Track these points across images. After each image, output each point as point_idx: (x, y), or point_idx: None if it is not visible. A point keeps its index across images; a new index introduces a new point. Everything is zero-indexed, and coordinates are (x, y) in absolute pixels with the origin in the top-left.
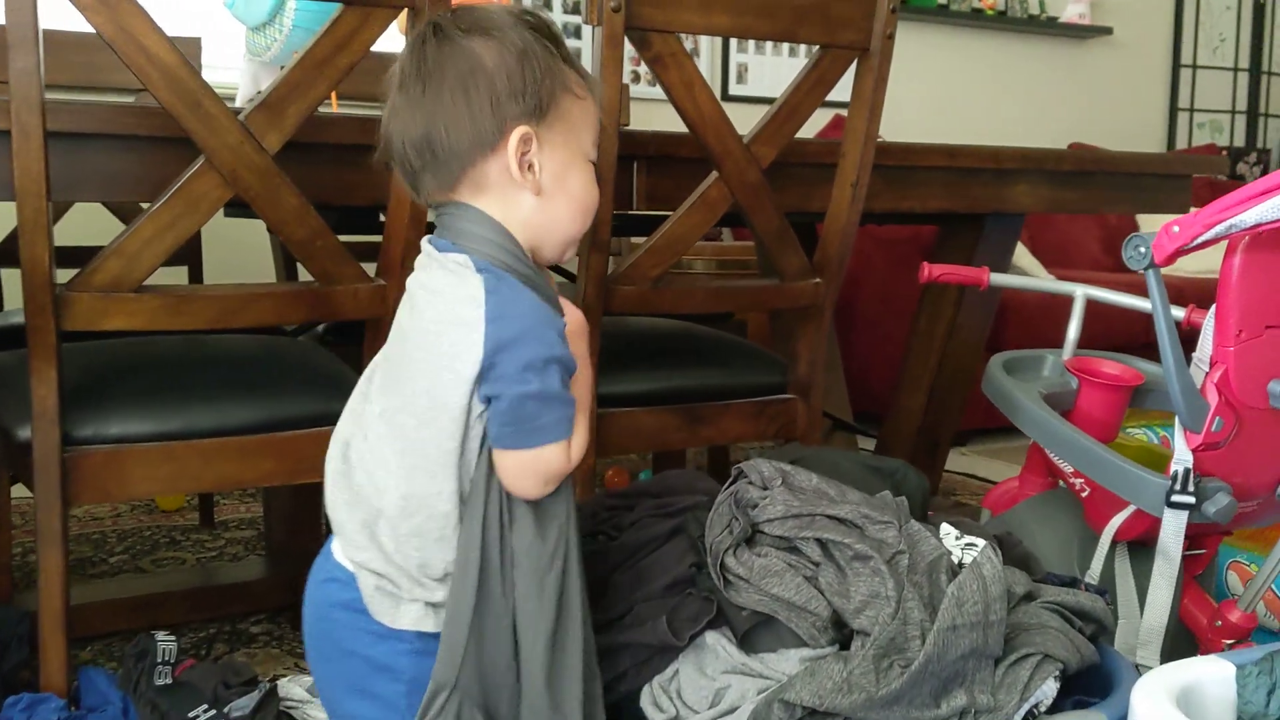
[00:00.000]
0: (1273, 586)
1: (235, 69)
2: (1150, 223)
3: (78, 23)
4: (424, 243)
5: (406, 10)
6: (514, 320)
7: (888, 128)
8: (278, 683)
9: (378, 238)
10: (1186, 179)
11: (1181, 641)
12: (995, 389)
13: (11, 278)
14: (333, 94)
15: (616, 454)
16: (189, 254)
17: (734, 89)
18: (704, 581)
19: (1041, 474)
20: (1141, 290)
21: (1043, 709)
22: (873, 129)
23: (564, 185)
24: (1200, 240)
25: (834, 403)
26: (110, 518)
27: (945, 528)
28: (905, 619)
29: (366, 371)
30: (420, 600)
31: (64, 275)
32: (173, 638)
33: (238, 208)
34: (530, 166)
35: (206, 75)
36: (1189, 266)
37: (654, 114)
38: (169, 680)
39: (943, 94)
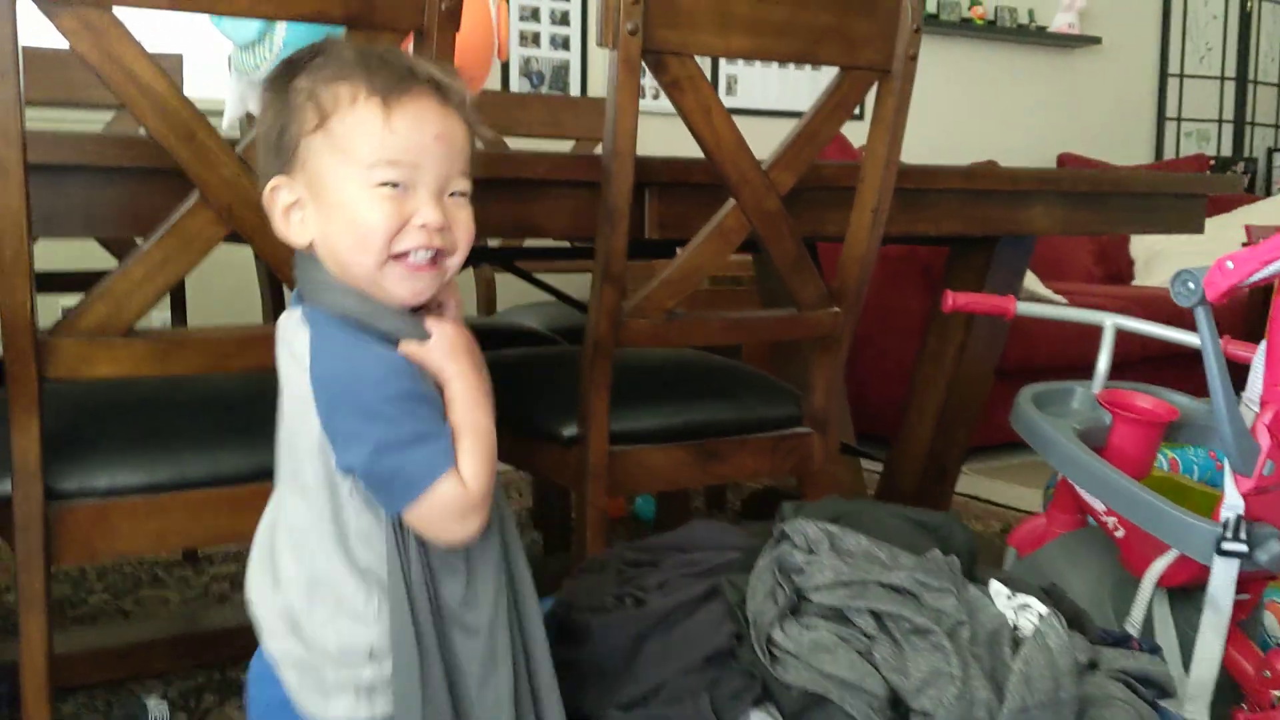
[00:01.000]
0: None
1: (213, 85)
2: (1140, 239)
3: (52, 37)
4: None
5: (413, 34)
6: (335, 376)
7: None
8: None
9: None
10: (1201, 199)
11: (1224, 688)
12: (1028, 425)
13: None
14: None
15: (627, 494)
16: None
17: (724, 101)
18: (745, 654)
19: (1071, 511)
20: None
21: None
22: (894, 153)
23: (339, 217)
24: (1256, 278)
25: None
26: None
27: (995, 586)
28: (972, 700)
29: None
30: (350, 686)
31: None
32: (164, 701)
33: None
34: (288, 216)
35: (187, 92)
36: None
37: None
38: None
39: (932, 103)
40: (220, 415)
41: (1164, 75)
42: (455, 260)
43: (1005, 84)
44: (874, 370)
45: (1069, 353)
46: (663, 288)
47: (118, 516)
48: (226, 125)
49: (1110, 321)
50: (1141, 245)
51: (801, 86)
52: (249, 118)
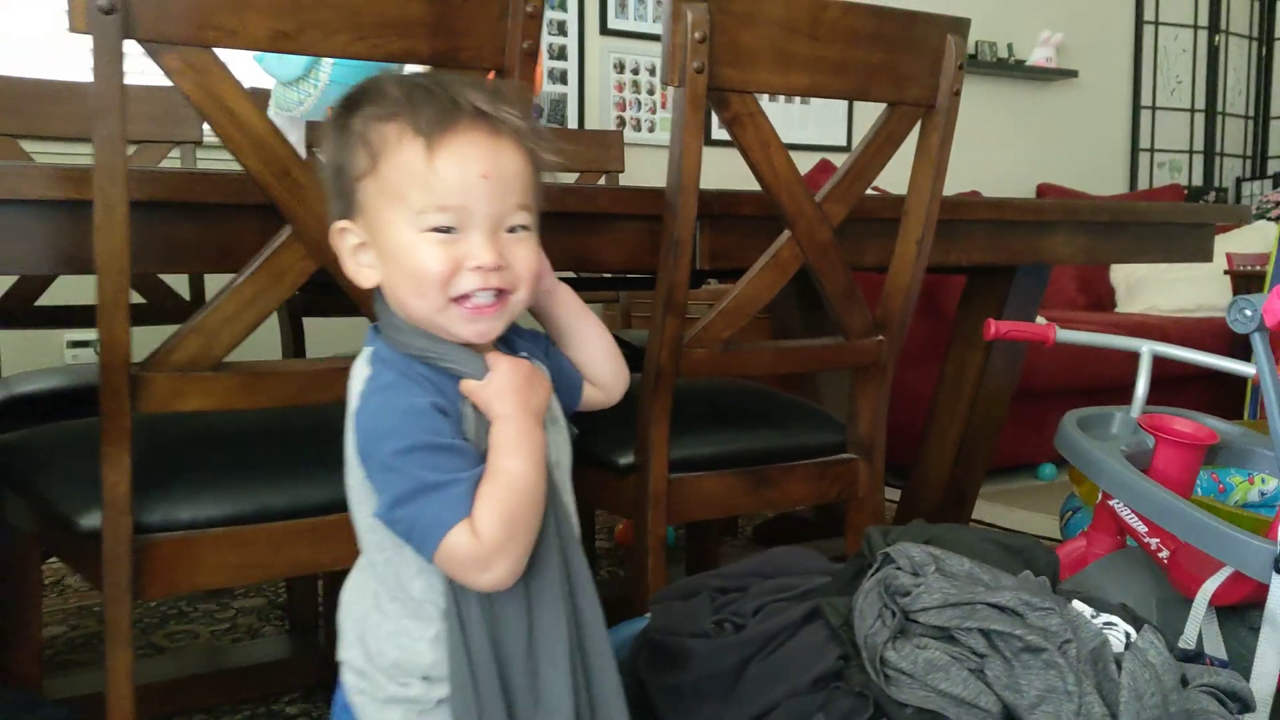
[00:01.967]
0: None
1: None
2: (1118, 267)
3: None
4: None
5: (494, 73)
6: (364, 429)
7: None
8: None
9: None
10: (1211, 228)
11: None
12: (1075, 449)
13: (10, 339)
14: None
15: (684, 520)
16: None
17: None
18: (855, 675)
19: (1111, 533)
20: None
21: None
22: (938, 186)
23: (397, 263)
24: None
25: None
26: (85, 588)
27: (1078, 604)
28: (1089, 715)
29: None
30: (402, 701)
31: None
32: None
33: None
34: (355, 259)
35: None
36: (1163, 305)
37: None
38: None
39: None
40: (298, 447)
41: (1137, 107)
42: (519, 296)
43: (986, 116)
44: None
45: (1071, 377)
46: (720, 318)
47: (201, 549)
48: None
49: (1147, 348)
50: (1121, 273)
51: (793, 118)
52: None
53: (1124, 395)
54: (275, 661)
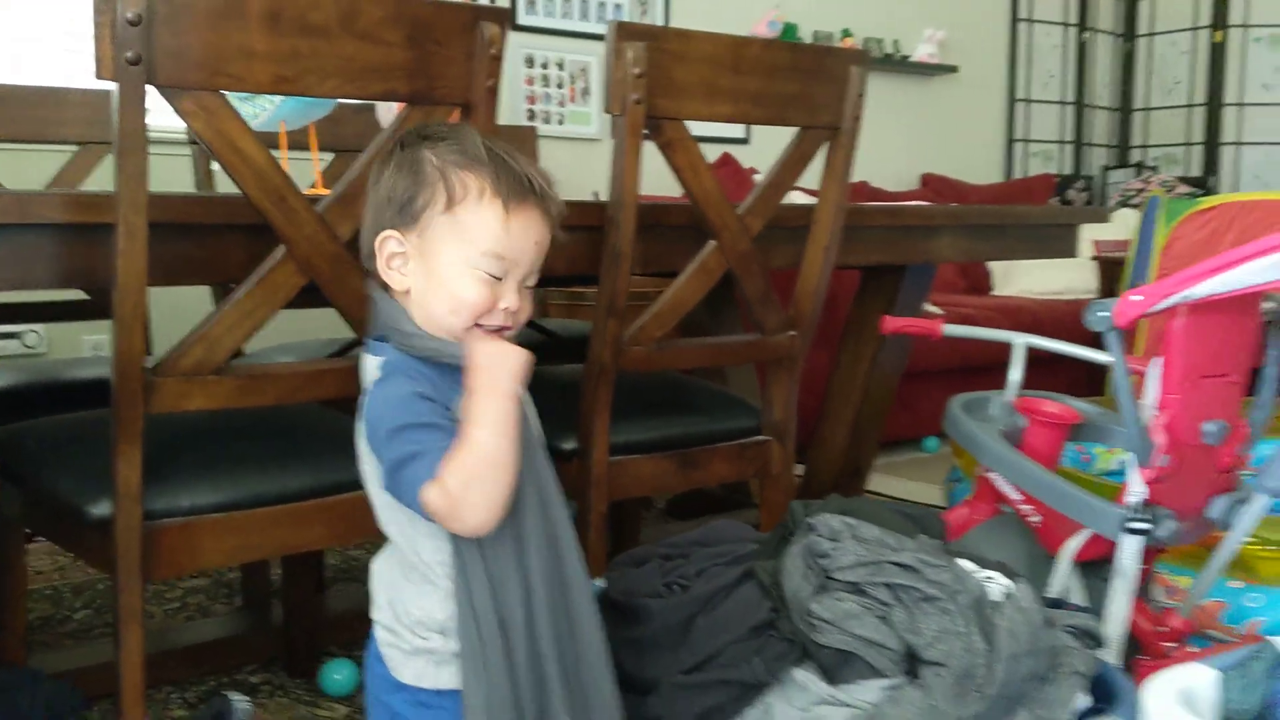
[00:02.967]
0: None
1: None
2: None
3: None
4: None
5: (460, 108)
6: (369, 420)
7: (758, 158)
8: None
9: None
10: (1076, 228)
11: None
12: (959, 430)
13: None
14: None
15: (624, 498)
16: None
17: None
18: (784, 624)
19: (990, 502)
20: (984, 309)
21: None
22: (843, 199)
23: (442, 284)
24: (1158, 309)
25: None
26: (56, 571)
27: (964, 562)
28: (974, 651)
29: None
30: (423, 653)
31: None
32: (246, 699)
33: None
34: (391, 266)
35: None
36: (1035, 289)
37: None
38: None
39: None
40: (285, 440)
41: (1012, 100)
42: (513, 333)
43: (874, 110)
44: None
45: (949, 358)
46: (654, 320)
47: (201, 533)
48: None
49: (1022, 340)
50: (1001, 263)
51: None
52: None
53: (998, 373)
54: (233, 636)
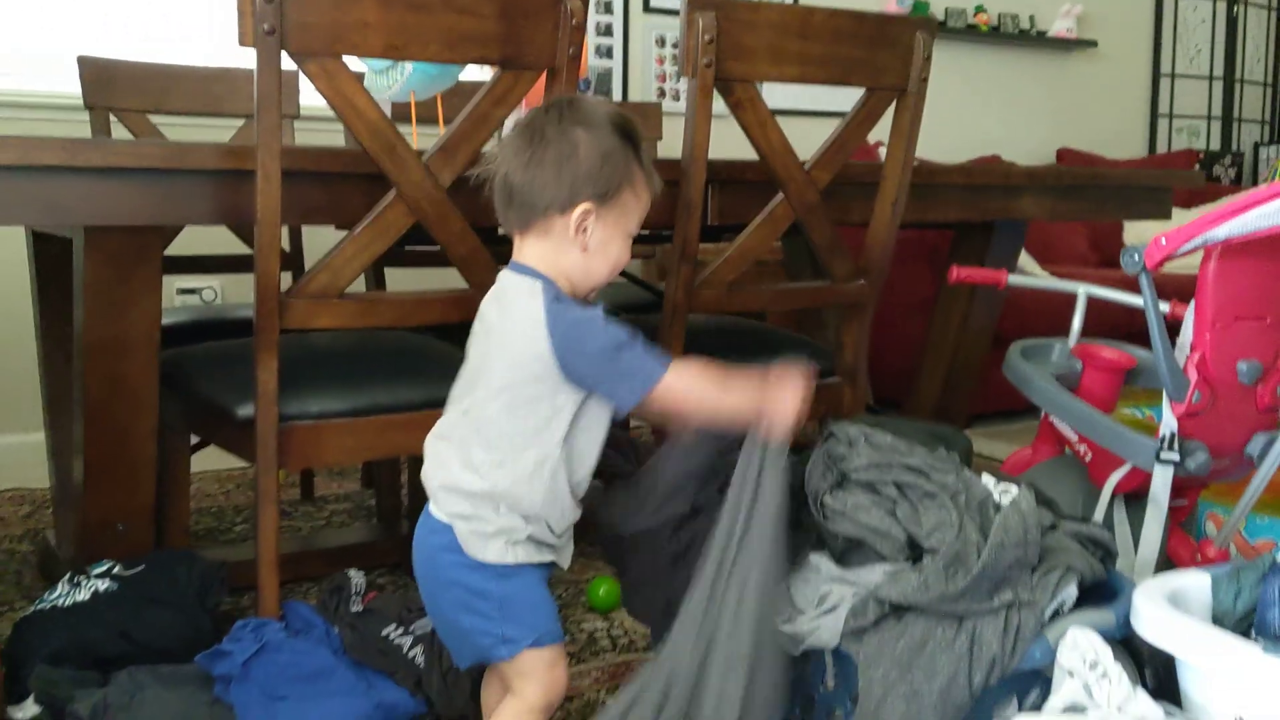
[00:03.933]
0: (1241, 531)
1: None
2: (1133, 226)
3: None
4: (501, 273)
5: (547, 71)
6: (576, 327)
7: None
8: None
9: None
10: (1168, 190)
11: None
12: (1014, 372)
13: None
14: (440, 122)
15: None
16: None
17: None
18: (805, 518)
19: (1051, 443)
20: (1127, 287)
21: (1066, 608)
22: (909, 157)
23: (605, 250)
24: (1183, 250)
25: None
26: (221, 494)
27: (986, 477)
28: (965, 539)
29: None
30: (503, 537)
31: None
32: (362, 573)
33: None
34: (584, 231)
35: None
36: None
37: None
38: (360, 607)
39: (942, 105)
40: (392, 362)
41: (1156, 75)
42: None
43: (1008, 85)
44: (887, 342)
45: (1056, 323)
46: (725, 264)
47: (326, 434)
48: None
49: (1083, 290)
50: (1134, 232)
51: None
52: None
53: (1118, 338)
54: (364, 543)
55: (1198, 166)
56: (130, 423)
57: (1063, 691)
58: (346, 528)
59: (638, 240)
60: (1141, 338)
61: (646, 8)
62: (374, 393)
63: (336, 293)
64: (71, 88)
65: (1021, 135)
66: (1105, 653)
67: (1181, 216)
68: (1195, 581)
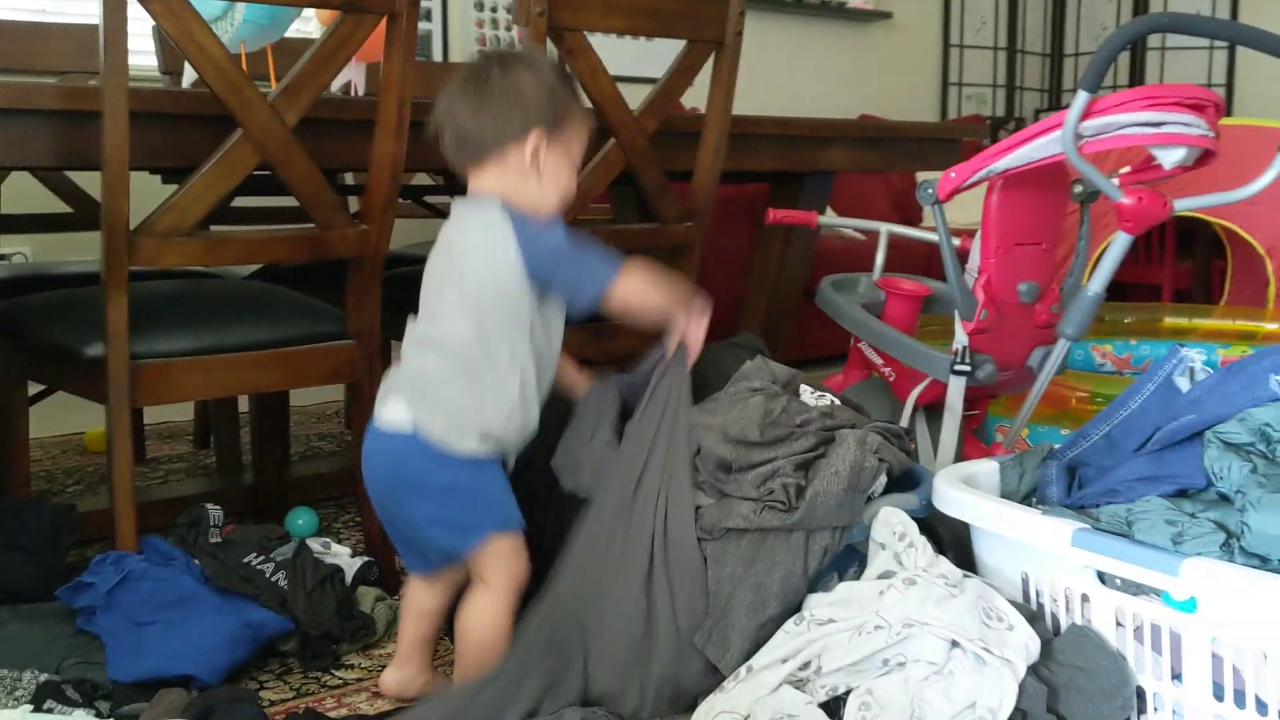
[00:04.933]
0: (1024, 437)
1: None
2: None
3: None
4: (457, 202)
5: (388, 16)
6: (544, 237)
7: (700, 100)
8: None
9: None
10: (956, 143)
11: None
12: (827, 302)
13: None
14: (272, 74)
15: None
16: None
17: None
18: None
19: (859, 368)
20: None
21: (877, 494)
22: (728, 105)
23: (556, 177)
24: (970, 182)
25: None
26: (49, 459)
27: (805, 388)
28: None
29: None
30: (477, 434)
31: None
32: (219, 507)
33: (173, 174)
34: (536, 157)
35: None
36: (960, 220)
37: None
38: (219, 539)
39: (753, 74)
40: (238, 304)
41: (946, 45)
42: None
43: (813, 54)
44: (710, 297)
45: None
46: None
47: (176, 371)
48: (186, 84)
49: (884, 228)
50: None
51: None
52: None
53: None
54: (208, 492)
55: (988, 131)
56: None
57: (877, 562)
58: (190, 480)
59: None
60: (934, 276)
61: None
62: (220, 333)
63: (184, 231)
64: None
65: (826, 102)
66: (912, 527)
67: None
68: (985, 468)
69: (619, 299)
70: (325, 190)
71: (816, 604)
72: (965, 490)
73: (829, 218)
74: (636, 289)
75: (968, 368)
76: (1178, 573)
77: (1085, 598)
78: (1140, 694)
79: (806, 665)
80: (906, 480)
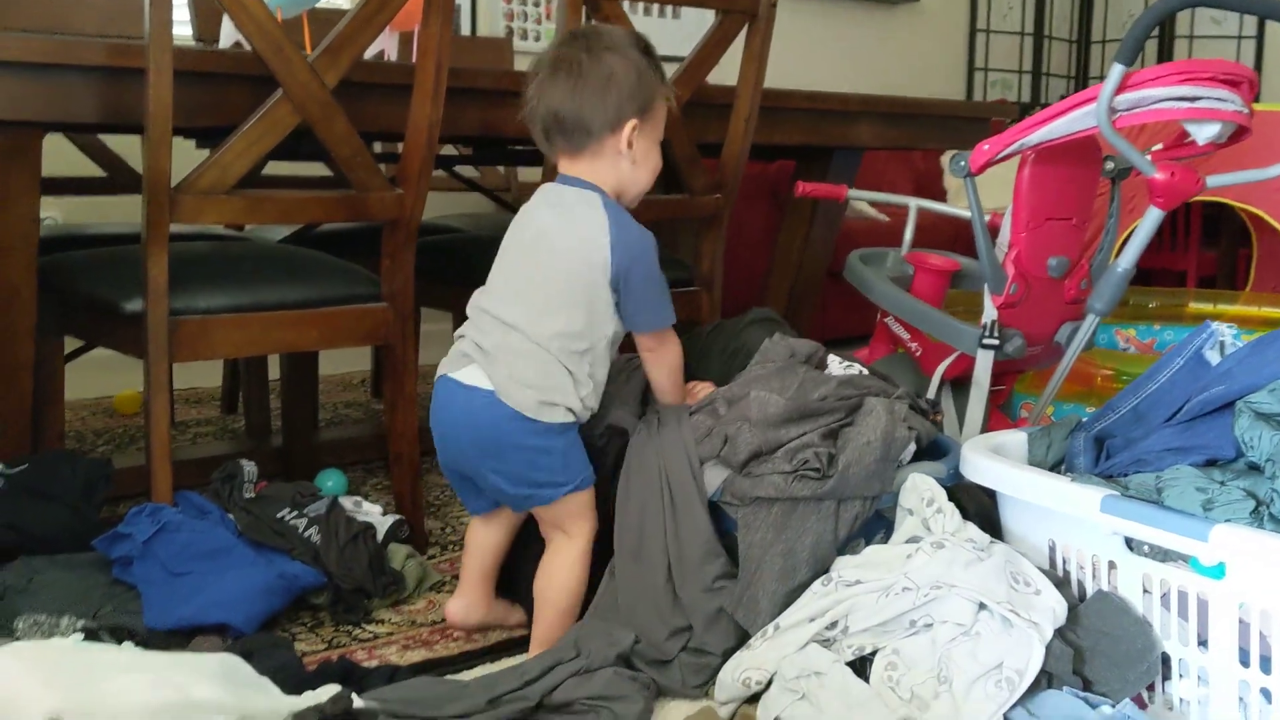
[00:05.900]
0: (1049, 414)
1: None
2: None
3: None
4: (548, 189)
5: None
6: (643, 252)
7: (733, 77)
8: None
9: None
10: (984, 121)
11: None
12: (855, 275)
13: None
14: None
15: None
16: None
17: None
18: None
19: (886, 343)
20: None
21: (906, 461)
22: (760, 77)
23: (648, 159)
24: (1002, 155)
25: None
26: (78, 419)
27: (833, 357)
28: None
29: (488, 298)
30: (564, 409)
31: None
32: (253, 463)
33: (208, 139)
34: (631, 145)
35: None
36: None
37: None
38: (253, 494)
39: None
40: (277, 264)
41: (973, 30)
42: None
43: (838, 36)
44: (733, 274)
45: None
46: None
47: (214, 328)
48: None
49: (914, 203)
50: (952, 178)
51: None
52: (237, 45)
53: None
54: (239, 452)
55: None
56: (10, 322)
57: (905, 527)
58: (219, 442)
59: None
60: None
61: None
62: (258, 291)
63: (225, 188)
64: None
65: (851, 85)
66: (940, 493)
67: None
68: (1013, 439)
69: (654, 341)
70: (363, 152)
71: (844, 565)
72: (993, 458)
73: (859, 191)
74: (672, 345)
75: (996, 341)
76: (1207, 538)
77: (1112, 564)
78: (1165, 659)
79: (834, 625)
80: (933, 450)
